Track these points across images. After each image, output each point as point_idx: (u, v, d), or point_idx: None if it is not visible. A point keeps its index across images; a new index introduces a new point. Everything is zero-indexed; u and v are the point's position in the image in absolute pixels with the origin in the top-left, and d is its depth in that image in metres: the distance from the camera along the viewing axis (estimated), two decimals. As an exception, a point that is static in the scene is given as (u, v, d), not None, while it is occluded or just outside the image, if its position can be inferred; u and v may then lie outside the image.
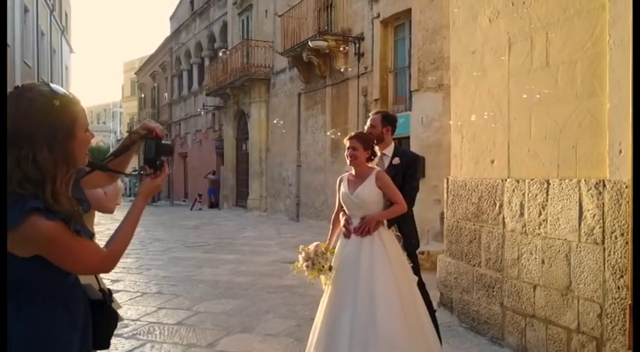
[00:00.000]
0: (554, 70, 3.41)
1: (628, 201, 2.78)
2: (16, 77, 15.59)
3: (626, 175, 2.80)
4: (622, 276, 2.85)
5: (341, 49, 11.69)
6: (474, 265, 4.21)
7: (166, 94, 28.61)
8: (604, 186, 2.97)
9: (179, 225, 14.74)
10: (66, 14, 30.34)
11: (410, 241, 3.38)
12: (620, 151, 2.87)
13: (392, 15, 10.29)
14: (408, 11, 9.69)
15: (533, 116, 3.60)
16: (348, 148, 3.14)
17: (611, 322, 2.93)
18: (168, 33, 28.13)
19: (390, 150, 3.61)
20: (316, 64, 12.76)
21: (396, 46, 10.61)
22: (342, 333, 2.90)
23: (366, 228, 3.04)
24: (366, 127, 3.64)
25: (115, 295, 6.48)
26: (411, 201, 3.37)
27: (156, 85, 30.78)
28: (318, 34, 11.89)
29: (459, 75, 4.52)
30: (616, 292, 2.90)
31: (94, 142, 54.47)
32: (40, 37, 22.42)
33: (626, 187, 2.80)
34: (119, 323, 5.27)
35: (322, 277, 3.10)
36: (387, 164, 3.56)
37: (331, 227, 3.36)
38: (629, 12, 2.77)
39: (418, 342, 2.96)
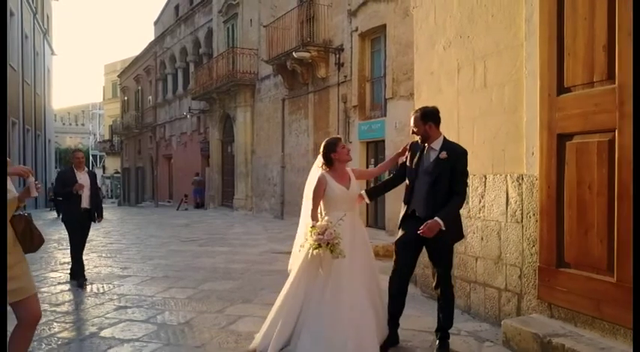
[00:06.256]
0: (490, 90, 4.41)
1: (537, 190, 3.80)
2: (5, 80, 16.08)
3: (537, 171, 3.81)
4: (534, 246, 3.86)
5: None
6: (433, 245, 5.18)
7: (150, 97, 29.15)
8: (522, 179, 3.98)
9: (169, 223, 15.49)
10: (48, 17, 30.58)
11: (455, 231, 3.68)
12: (533, 153, 3.88)
13: (369, 29, 11.29)
14: (383, 26, 10.71)
15: (475, 126, 4.59)
16: (347, 149, 3.73)
17: (526, 280, 3.94)
18: (149, 36, 29.00)
19: (437, 144, 3.59)
20: (299, 72, 13.69)
21: (373, 57, 11.61)
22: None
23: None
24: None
25: (127, 278, 7.57)
26: (465, 195, 3.64)
27: (140, 87, 31.25)
28: (301, 46, 12.83)
29: (421, 91, 5.50)
30: (530, 258, 3.90)
31: (72, 144, 53.28)
32: (24, 40, 22.79)
33: (536, 179, 3.81)
34: (137, 298, 6.06)
35: (328, 251, 3.27)
36: (433, 157, 3.58)
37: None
38: (537, 50, 3.78)
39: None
